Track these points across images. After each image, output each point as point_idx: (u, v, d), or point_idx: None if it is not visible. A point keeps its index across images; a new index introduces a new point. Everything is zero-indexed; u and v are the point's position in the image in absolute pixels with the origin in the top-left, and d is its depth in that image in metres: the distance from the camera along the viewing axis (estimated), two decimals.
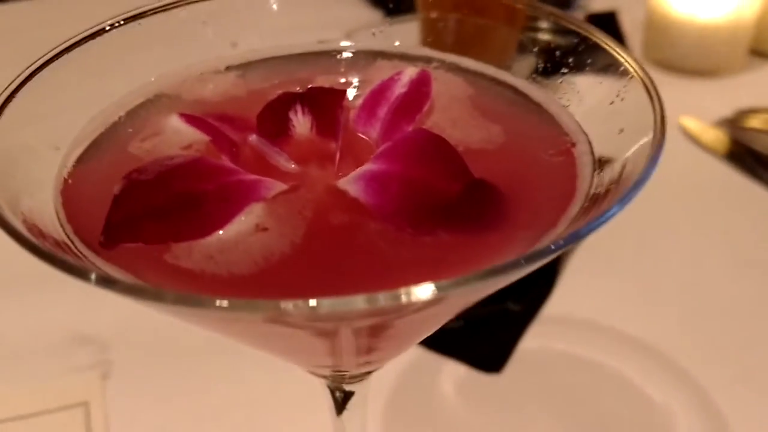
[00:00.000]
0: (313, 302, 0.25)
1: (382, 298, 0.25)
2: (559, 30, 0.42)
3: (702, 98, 0.99)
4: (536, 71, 0.42)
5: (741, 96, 0.96)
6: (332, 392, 0.43)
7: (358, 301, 0.25)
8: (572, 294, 0.72)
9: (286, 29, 0.48)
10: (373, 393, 0.62)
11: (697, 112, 0.94)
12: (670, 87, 0.99)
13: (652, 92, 0.34)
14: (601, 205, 0.32)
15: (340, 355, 0.36)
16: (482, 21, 0.50)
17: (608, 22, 1.11)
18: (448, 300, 0.29)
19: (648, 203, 0.83)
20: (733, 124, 0.92)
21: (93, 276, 0.27)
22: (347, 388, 0.43)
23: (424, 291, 0.25)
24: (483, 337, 0.69)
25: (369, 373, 0.41)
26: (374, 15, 0.52)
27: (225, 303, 0.25)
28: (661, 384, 0.64)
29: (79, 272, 0.27)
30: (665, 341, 0.67)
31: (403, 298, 0.25)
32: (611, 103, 0.38)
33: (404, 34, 0.48)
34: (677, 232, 0.80)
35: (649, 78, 0.35)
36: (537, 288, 0.73)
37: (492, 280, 0.27)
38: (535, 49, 0.43)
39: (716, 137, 0.90)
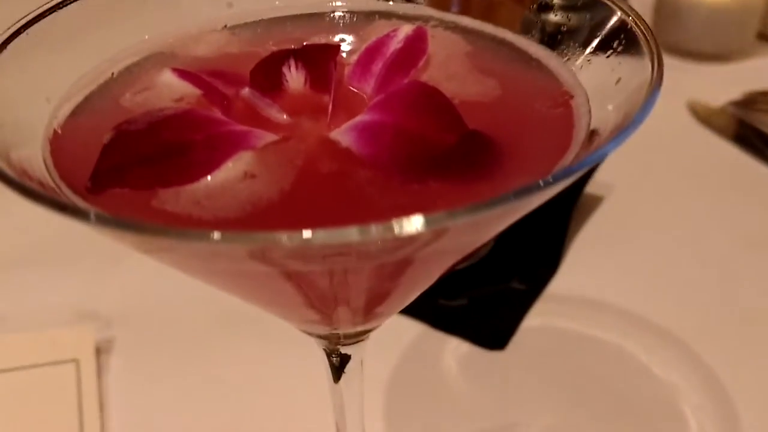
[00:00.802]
0: (307, 233, 0.25)
1: (375, 230, 0.25)
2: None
3: (711, 81, 0.98)
4: (536, 28, 0.42)
5: (750, 79, 0.95)
6: (328, 356, 0.43)
7: (352, 233, 0.25)
8: (577, 273, 0.71)
9: None
10: (376, 369, 0.62)
11: (706, 95, 0.93)
12: (679, 70, 0.99)
13: (648, 37, 0.33)
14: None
15: (331, 307, 0.35)
16: None
17: None
18: (440, 241, 0.29)
19: (656, 184, 0.83)
20: (742, 106, 0.91)
21: (92, 214, 0.27)
22: (343, 350, 0.42)
23: (415, 222, 0.25)
24: (487, 315, 0.68)
25: (365, 333, 0.40)
26: None
27: (218, 235, 0.25)
28: (666, 361, 0.63)
29: (75, 211, 0.27)
30: (670, 319, 0.66)
31: (396, 229, 0.25)
32: (607, 56, 0.37)
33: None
34: (685, 213, 0.79)
35: (646, 25, 0.34)
36: (542, 267, 0.72)
37: (484, 215, 0.26)
38: (534, 6, 0.42)
39: (725, 120, 0.89)
